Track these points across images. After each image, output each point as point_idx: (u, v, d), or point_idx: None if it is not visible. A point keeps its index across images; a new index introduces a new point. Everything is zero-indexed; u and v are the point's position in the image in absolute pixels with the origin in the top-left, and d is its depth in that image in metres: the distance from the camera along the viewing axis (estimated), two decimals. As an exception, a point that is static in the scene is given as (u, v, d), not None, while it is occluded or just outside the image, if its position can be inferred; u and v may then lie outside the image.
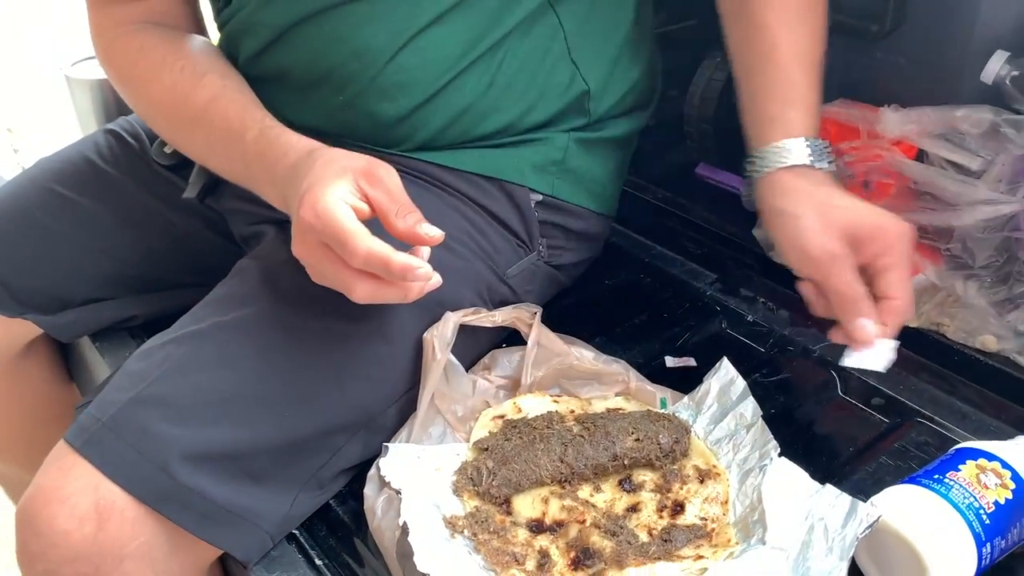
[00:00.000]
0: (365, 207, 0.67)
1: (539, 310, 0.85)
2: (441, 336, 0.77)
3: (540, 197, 0.89)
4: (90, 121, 1.17)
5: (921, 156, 0.91)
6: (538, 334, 0.83)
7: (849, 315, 0.73)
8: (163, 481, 0.67)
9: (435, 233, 0.67)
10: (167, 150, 0.95)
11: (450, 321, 0.78)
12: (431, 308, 0.77)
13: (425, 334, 0.78)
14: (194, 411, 0.70)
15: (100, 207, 0.95)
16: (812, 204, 0.75)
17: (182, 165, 0.94)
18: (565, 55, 0.86)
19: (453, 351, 0.78)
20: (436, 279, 0.68)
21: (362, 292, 0.66)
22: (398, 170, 0.84)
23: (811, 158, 0.77)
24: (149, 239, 0.96)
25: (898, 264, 0.72)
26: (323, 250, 0.66)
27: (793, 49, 0.80)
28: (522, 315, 0.84)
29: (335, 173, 0.67)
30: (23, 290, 0.94)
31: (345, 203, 0.65)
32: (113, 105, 1.16)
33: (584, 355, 0.84)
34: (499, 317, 0.82)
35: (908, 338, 0.89)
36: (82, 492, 0.67)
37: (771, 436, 0.75)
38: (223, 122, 0.77)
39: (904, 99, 0.92)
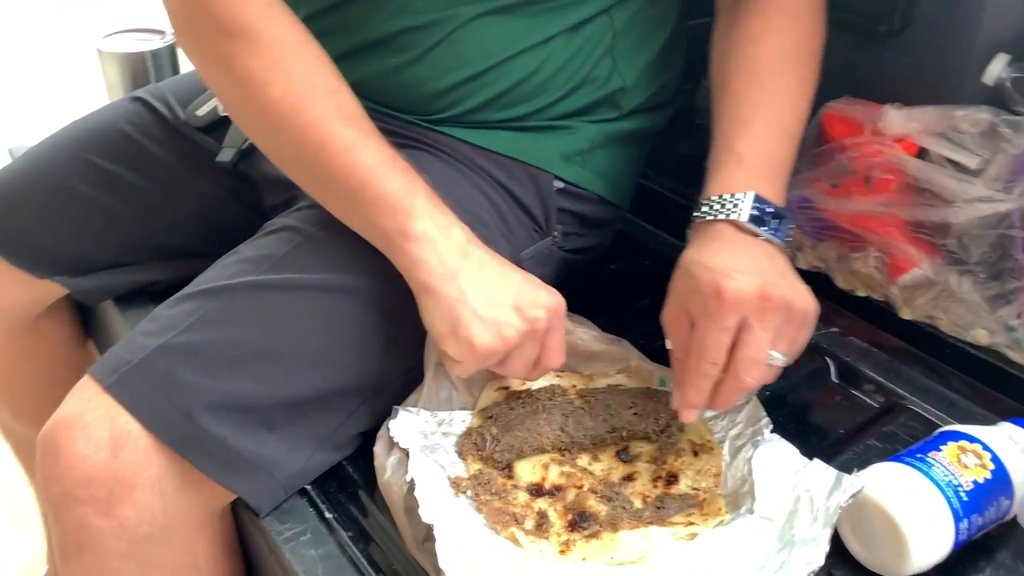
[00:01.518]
0: None
1: (546, 287, 0.88)
2: None
3: (562, 185, 0.90)
4: (119, 94, 1.20)
5: (922, 154, 0.92)
6: (544, 311, 0.86)
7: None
8: (186, 426, 0.70)
9: None
10: (200, 112, 0.97)
11: None
12: None
13: None
14: (220, 363, 0.72)
15: (133, 176, 0.97)
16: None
17: (215, 127, 0.96)
18: (608, 53, 0.88)
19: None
20: None
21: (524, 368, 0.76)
22: (429, 147, 0.86)
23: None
24: (178, 207, 0.99)
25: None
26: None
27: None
28: (530, 291, 0.87)
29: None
30: (53, 253, 0.97)
31: None
32: (143, 77, 1.18)
33: (588, 333, 0.87)
34: (509, 292, 0.85)
35: (902, 329, 0.93)
36: (100, 421, 0.70)
37: (764, 413, 0.77)
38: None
39: (907, 98, 0.93)
